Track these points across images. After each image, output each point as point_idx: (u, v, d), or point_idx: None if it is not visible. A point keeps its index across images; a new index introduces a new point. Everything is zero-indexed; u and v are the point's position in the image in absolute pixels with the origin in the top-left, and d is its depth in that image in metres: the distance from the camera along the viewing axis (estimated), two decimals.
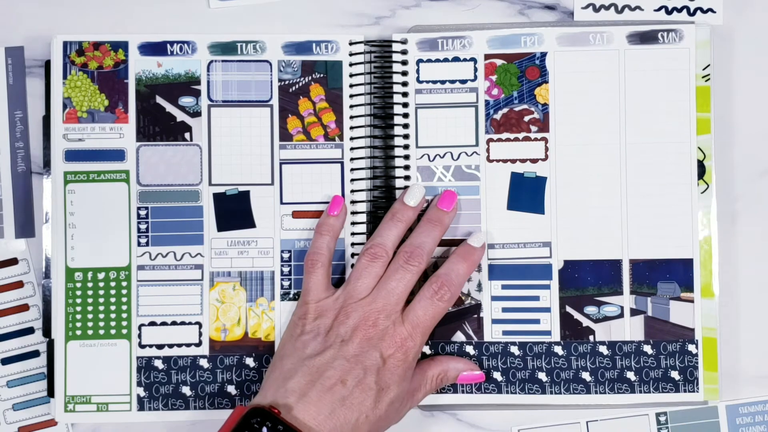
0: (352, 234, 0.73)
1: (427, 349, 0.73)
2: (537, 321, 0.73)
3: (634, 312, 0.73)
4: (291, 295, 0.74)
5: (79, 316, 0.73)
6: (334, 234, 0.72)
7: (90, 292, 0.73)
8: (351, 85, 0.74)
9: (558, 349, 0.73)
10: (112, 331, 0.73)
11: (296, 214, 0.74)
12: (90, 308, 0.73)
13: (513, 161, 0.73)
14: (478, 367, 0.72)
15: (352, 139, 0.74)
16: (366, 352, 0.66)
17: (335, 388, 0.65)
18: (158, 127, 0.74)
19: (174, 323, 0.73)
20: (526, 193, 0.73)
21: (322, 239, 0.71)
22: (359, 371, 0.65)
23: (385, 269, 0.69)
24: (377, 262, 0.69)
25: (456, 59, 0.73)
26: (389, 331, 0.67)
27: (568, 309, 0.73)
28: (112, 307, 0.73)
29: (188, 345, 0.73)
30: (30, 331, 0.75)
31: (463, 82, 0.73)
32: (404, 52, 0.74)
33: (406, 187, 0.73)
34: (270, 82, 0.74)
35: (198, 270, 0.74)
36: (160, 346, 0.73)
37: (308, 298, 0.70)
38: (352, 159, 0.74)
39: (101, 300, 0.73)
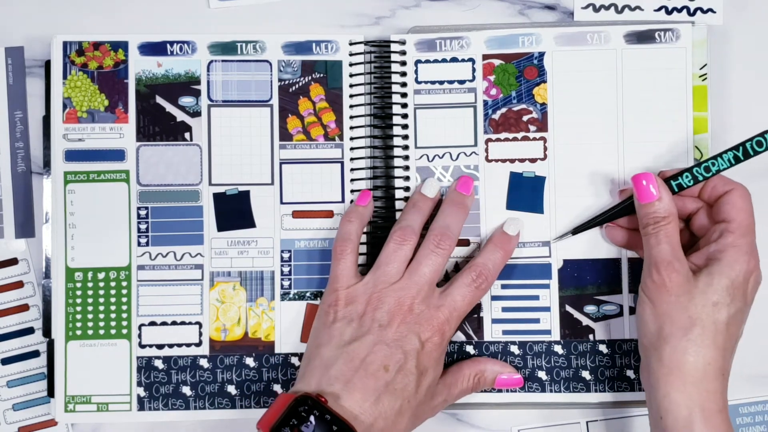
0: None
1: None
2: (537, 320, 0.73)
3: (633, 310, 0.73)
4: (291, 295, 0.74)
5: (79, 316, 0.73)
6: (361, 221, 0.71)
7: (90, 292, 0.73)
8: (351, 85, 0.74)
9: (558, 348, 0.73)
10: (112, 331, 0.73)
11: (296, 214, 0.74)
12: (90, 308, 0.73)
13: (512, 161, 0.73)
14: (516, 371, 0.72)
15: (352, 139, 0.74)
16: (405, 337, 0.66)
17: (378, 374, 0.64)
18: (158, 127, 0.74)
19: (174, 323, 0.73)
20: (525, 193, 0.73)
21: (351, 225, 0.71)
22: (400, 356, 0.65)
23: (413, 252, 0.69)
24: (406, 245, 0.69)
25: (454, 60, 0.74)
26: (425, 315, 0.67)
27: (568, 308, 0.73)
28: (112, 307, 0.73)
29: (188, 345, 0.73)
30: (30, 331, 0.75)
31: (462, 82, 0.74)
32: (402, 53, 0.74)
33: (419, 184, 0.73)
34: (270, 82, 0.74)
35: (198, 270, 0.74)
36: (160, 346, 0.73)
37: (337, 285, 0.69)
38: (352, 159, 0.74)
39: (101, 300, 0.73)
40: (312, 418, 0.61)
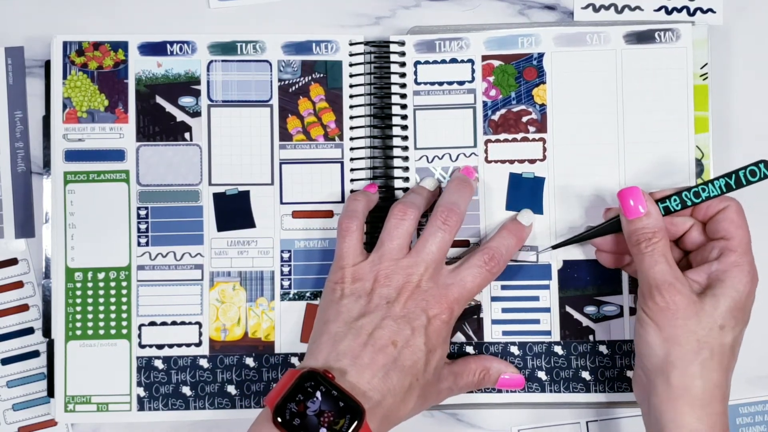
0: None
1: None
2: (537, 321, 0.73)
3: (633, 311, 0.73)
4: (291, 295, 0.74)
5: (79, 316, 0.73)
6: (368, 201, 0.71)
7: (90, 292, 0.73)
8: (351, 86, 0.74)
9: (558, 349, 0.73)
10: (112, 331, 0.73)
11: (296, 214, 0.74)
12: (90, 308, 0.73)
13: (511, 162, 0.73)
14: (519, 372, 0.72)
15: (351, 139, 0.74)
16: (412, 313, 0.65)
17: (387, 350, 0.64)
18: (158, 127, 0.74)
19: (174, 323, 0.73)
20: (525, 194, 0.73)
21: (357, 203, 0.70)
22: (407, 332, 0.65)
23: (415, 225, 0.69)
24: (406, 219, 0.68)
25: (453, 61, 0.74)
26: (433, 292, 0.66)
27: (568, 309, 0.73)
28: (112, 307, 0.73)
29: (188, 345, 0.73)
30: (30, 331, 0.75)
31: (461, 83, 0.74)
32: (402, 54, 0.74)
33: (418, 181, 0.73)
34: (270, 82, 0.74)
35: (198, 270, 0.74)
36: (160, 346, 0.73)
37: (344, 262, 0.68)
38: (352, 159, 0.74)
39: (101, 300, 0.73)
40: (318, 394, 0.61)
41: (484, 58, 0.73)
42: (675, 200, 0.66)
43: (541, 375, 0.73)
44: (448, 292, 0.67)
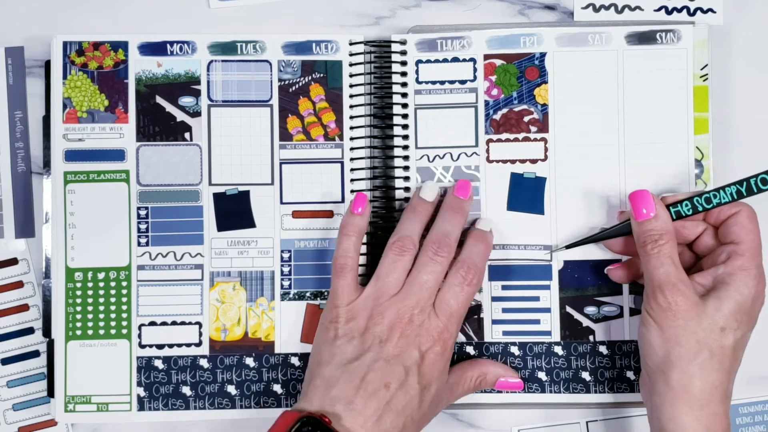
0: None
1: None
2: (537, 321, 0.73)
3: (633, 312, 0.73)
4: (291, 295, 0.74)
5: (79, 316, 0.73)
6: (359, 234, 0.70)
7: (90, 292, 0.73)
8: (351, 85, 0.74)
9: (558, 349, 0.73)
10: (112, 331, 0.73)
11: (296, 214, 0.74)
12: (90, 308, 0.73)
13: (513, 162, 0.73)
14: (516, 374, 0.72)
15: (352, 139, 0.74)
16: (405, 351, 0.65)
17: (379, 393, 0.64)
18: (158, 127, 0.74)
19: (174, 323, 0.73)
20: (526, 194, 0.73)
21: (349, 240, 0.69)
22: (401, 372, 0.65)
23: (412, 261, 0.68)
24: (405, 255, 0.68)
25: (455, 60, 0.74)
26: (425, 325, 0.66)
27: (568, 309, 0.73)
28: (112, 307, 0.73)
29: (188, 345, 0.73)
30: (30, 331, 0.75)
31: (463, 82, 0.74)
32: (403, 53, 0.74)
33: (418, 187, 0.72)
34: (270, 82, 0.74)
35: (198, 270, 0.74)
36: (160, 346, 0.73)
37: (338, 302, 0.68)
38: (352, 159, 0.74)
39: (101, 300, 0.73)
40: None
41: (486, 57, 0.73)
42: (686, 205, 0.67)
43: (541, 375, 0.73)
44: (437, 322, 0.67)
